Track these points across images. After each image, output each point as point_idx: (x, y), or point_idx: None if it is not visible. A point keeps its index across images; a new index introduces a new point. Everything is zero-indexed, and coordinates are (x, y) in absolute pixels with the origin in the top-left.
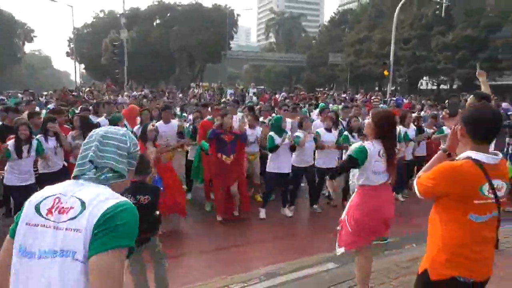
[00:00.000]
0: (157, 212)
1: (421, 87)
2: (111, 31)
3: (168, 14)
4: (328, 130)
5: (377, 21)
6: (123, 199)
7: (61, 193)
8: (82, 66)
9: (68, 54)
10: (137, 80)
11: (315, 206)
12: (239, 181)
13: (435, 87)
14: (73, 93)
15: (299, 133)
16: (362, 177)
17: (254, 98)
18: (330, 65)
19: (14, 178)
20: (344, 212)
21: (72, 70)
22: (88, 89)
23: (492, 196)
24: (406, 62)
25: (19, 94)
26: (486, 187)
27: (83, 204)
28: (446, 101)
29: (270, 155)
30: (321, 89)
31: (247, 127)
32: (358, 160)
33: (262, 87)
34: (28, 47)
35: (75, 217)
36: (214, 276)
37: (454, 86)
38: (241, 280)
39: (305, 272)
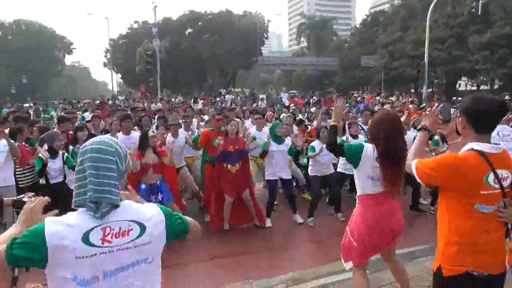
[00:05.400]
0: None
1: (460, 89)
2: (145, 41)
3: (200, 23)
4: (354, 137)
5: (410, 22)
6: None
7: (101, 224)
8: (119, 75)
9: (105, 64)
10: (171, 88)
11: (338, 213)
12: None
13: (474, 88)
14: (110, 102)
15: (315, 144)
16: (360, 184)
17: (287, 103)
18: (363, 68)
19: None
20: (349, 222)
21: (109, 79)
22: (124, 97)
23: (498, 186)
24: (441, 62)
25: (61, 104)
26: (491, 177)
27: (140, 224)
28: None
29: (265, 162)
30: (354, 92)
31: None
32: (347, 152)
33: (294, 91)
34: (68, 59)
35: (140, 235)
36: (237, 281)
37: (495, 86)
38: (267, 285)
39: (332, 278)
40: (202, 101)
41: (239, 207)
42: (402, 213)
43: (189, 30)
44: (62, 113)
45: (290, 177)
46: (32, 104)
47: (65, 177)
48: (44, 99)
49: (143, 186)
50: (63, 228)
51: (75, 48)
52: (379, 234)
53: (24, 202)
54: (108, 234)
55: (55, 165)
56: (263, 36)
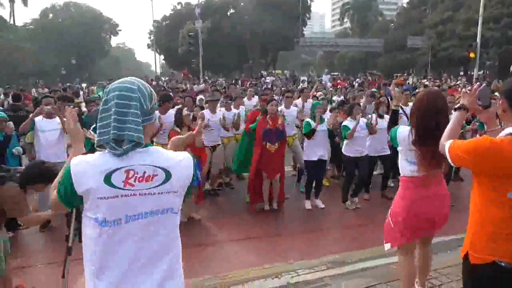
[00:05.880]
0: None
1: None
2: (187, 22)
3: (241, 4)
4: (381, 116)
5: (462, 0)
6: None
7: (125, 166)
8: (162, 57)
9: (149, 46)
10: (212, 70)
11: (354, 199)
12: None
13: None
14: (153, 82)
15: (348, 122)
16: (400, 165)
17: (329, 84)
18: (409, 49)
19: None
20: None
21: (152, 61)
22: (167, 78)
23: None
24: (495, 43)
25: (105, 83)
26: None
27: (166, 170)
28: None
29: (306, 142)
30: (399, 74)
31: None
32: (393, 138)
33: (337, 73)
34: (114, 41)
35: (165, 182)
36: (276, 261)
37: None
38: (307, 266)
39: (373, 262)
40: (243, 85)
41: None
42: (448, 201)
43: (231, 11)
44: None
45: (327, 158)
46: (79, 85)
47: None
48: (91, 79)
49: None
50: (86, 167)
51: (120, 30)
52: (415, 218)
53: None
54: (131, 177)
55: None
56: (305, 16)
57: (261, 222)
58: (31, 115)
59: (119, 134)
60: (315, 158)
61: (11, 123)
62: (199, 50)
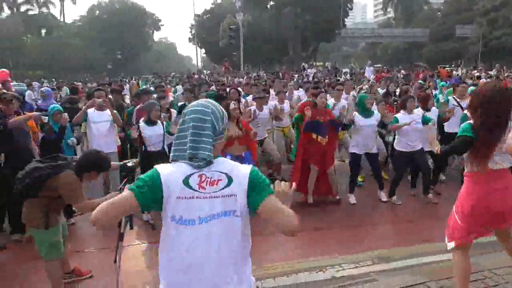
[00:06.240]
0: None
1: None
2: (228, 16)
3: None
4: (428, 110)
5: None
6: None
7: (199, 171)
8: (203, 50)
9: (190, 40)
10: (252, 62)
11: (429, 195)
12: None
13: None
14: (195, 76)
15: (400, 116)
16: (468, 160)
17: (372, 77)
18: (457, 39)
19: None
20: (456, 201)
21: (194, 55)
22: (209, 72)
23: None
24: None
25: (149, 77)
26: None
27: (228, 176)
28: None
29: (353, 135)
30: (446, 66)
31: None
32: (473, 137)
33: (380, 65)
34: (156, 35)
35: (227, 186)
36: (320, 254)
37: None
38: (353, 260)
39: (422, 259)
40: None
41: (317, 179)
42: None
43: (271, 3)
44: (150, 87)
45: (377, 151)
46: (125, 79)
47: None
48: (135, 73)
49: (228, 156)
50: (170, 170)
51: (163, 25)
52: (483, 213)
53: (129, 167)
54: (203, 181)
55: (151, 132)
56: (346, 7)
57: (306, 215)
58: (83, 107)
59: (193, 153)
60: (362, 152)
61: (65, 114)
62: (239, 43)
